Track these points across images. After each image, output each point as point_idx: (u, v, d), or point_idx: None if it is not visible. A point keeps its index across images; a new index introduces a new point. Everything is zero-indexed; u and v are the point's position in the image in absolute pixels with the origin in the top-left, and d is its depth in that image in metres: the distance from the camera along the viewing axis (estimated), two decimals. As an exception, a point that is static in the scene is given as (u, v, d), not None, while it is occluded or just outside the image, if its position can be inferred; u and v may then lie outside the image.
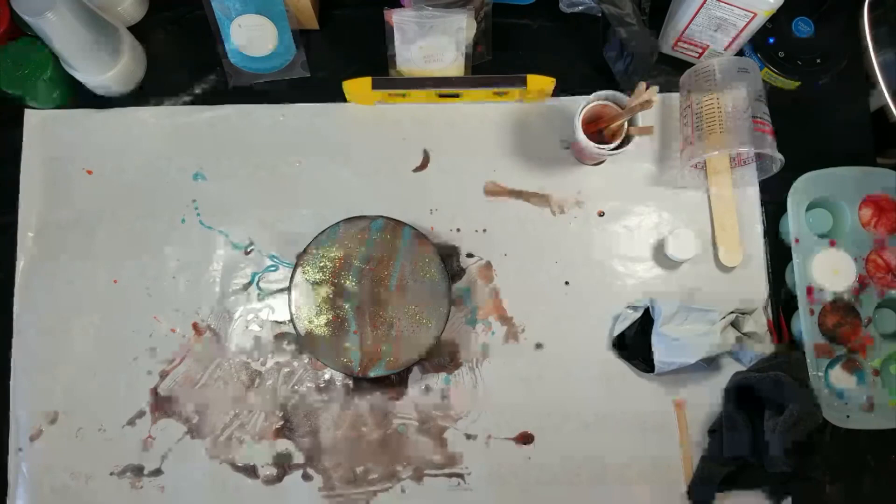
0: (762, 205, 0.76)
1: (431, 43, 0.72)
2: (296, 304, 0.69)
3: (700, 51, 0.76)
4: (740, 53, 0.77)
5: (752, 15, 0.67)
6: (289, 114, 0.78)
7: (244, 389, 0.73)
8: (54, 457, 0.72)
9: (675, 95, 0.77)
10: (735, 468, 0.69)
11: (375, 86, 0.74)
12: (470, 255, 0.75)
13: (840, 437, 0.70)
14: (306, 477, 0.71)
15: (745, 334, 0.71)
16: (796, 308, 0.72)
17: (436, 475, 0.71)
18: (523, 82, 0.74)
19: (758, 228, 0.76)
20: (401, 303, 0.69)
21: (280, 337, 0.74)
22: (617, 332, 0.73)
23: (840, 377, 0.71)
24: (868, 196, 0.73)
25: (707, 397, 0.72)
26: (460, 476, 0.71)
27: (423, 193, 0.76)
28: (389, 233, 0.70)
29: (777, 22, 0.73)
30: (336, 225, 0.70)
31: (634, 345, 0.72)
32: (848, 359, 0.71)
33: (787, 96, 0.78)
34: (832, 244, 0.72)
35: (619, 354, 0.73)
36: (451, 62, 0.74)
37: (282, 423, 0.72)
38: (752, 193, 0.76)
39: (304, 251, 0.69)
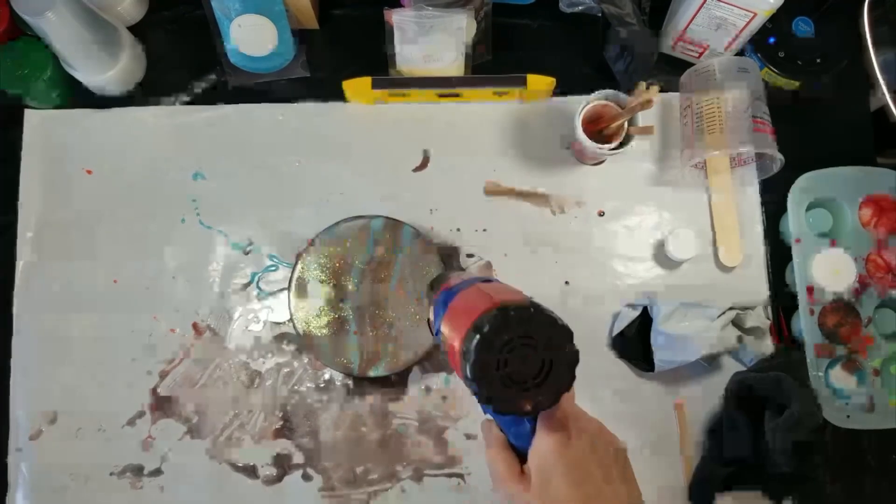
0: (762, 205, 0.76)
1: (431, 43, 0.72)
2: (295, 304, 0.69)
3: (700, 51, 0.76)
4: (740, 53, 0.77)
5: (752, 15, 0.67)
6: (289, 113, 0.78)
7: (244, 389, 0.73)
8: (54, 457, 0.72)
9: (675, 95, 0.77)
10: (735, 468, 0.69)
11: (375, 85, 0.74)
12: (470, 255, 0.75)
13: (840, 437, 0.70)
14: (306, 477, 0.71)
15: (747, 330, 0.71)
16: (796, 308, 0.72)
17: (436, 475, 0.71)
18: (523, 82, 0.74)
19: (758, 228, 0.76)
20: (401, 303, 0.69)
21: (280, 337, 0.74)
22: (616, 330, 0.72)
23: (840, 377, 0.71)
24: (868, 196, 0.73)
25: (707, 397, 0.72)
26: (460, 476, 0.71)
27: (423, 193, 0.76)
28: (389, 232, 0.70)
29: (777, 22, 0.73)
30: (336, 225, 0.70)
31: (634, 344, 0.72)
32: (848, 359, 0.71)
33: (787, 96, 0.78)
34: (832, 244, 0.72)
35: (618, 354, 0.73)
36: (451, 62, 0.74)
37: (282, 423, 0.72)
38: (752, 193, 0.76)
39: (304, 251, 0.70)
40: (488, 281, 0.51)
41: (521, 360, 0.41)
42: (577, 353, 0.42)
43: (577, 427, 0.46)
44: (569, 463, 0.44)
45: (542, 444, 0.45)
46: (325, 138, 0.77)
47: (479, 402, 0.42)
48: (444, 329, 0.47)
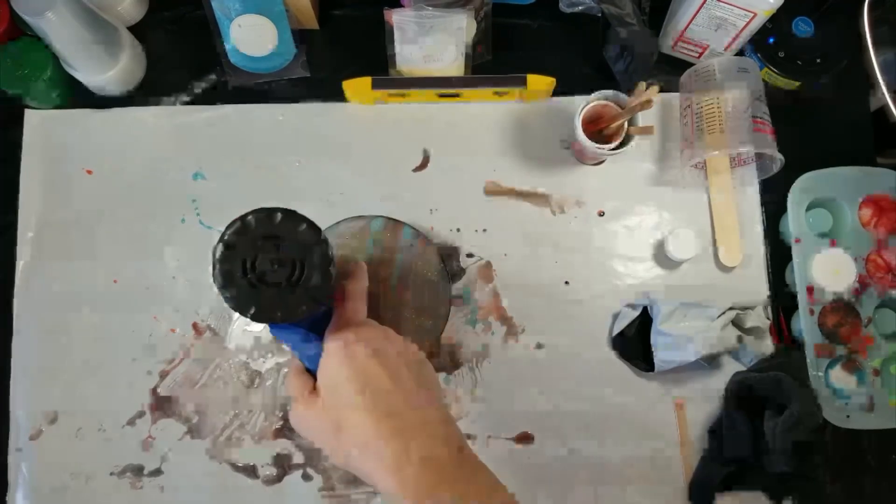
0: (762, 205, 0.76)
1: (431, 43, 0.72)
2: (295, 303, 0.69)
3: (700, 51, 0.76)
4: (740, 53, 0.77)
5: (752, 15, 0.67)
6: (289, 114, 0.78)
7: (244, 389, 0.73)
8: (54, 457, 0.72)
9: (675, 95, 0.77)
10: (735, 468, 0.69)
11: (375, 86, 0.74)
12: (470, 255, 0.75)
13: (840, 437, 0.70)
14: (306, 477, 0.71)
15: (747, 330, 0.71)
16: (796, 308, 0.72)
17: (436, 475, 0.71)
18: (523, 82, 0.74)
19: (758, 228, 0.76)
20: (400, 303, 0.69)
21: (280, 337, 0.74)
22: (616, 330, 0.73)
23: (840, 377, 0.71)
24: (868, 196, 0.73)
25: (707, 397, 0.72)
26: (460, 476, 0.71)
27: (423, 193, 0.76)
28: (389, 233, 0.70)
29: (777, 22, 0.73)
30: (336, 225, 0.70)
31: (634, 344, 0.72)
32: (848, 359, 0.71)
33: (787, 96, 0.78)
34: (832, 244, 0.72)
35: (618, 354, 0.73)
36: (451, 62, 0.74)
37: (282, 423, 0.72)
38: (752, 193, 0.76)
39: (304, 251, 0.70)
40: None
41: (270, 262, 0.41)
42: (327, 252, 0.42)
43: (361, 336, 0.46)
44: (352, 370, 0.44)
45: (326, 359, 0.46)
46: (325, 138, 0.77)
47: (233, 310, 0.41)
48: None
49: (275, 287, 0.41)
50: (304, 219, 0.42)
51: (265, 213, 0.42)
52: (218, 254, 0.41)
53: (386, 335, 0.48)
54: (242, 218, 0.42)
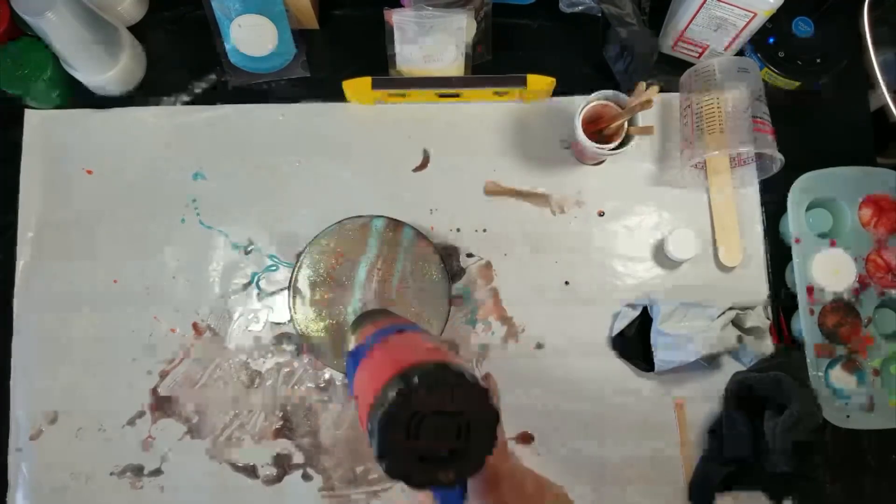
0: (762, 205, 0.76)
1: (431, 43, 0.72)
2: (295, 304, 0.69)
3: (700, 51, 0.76)
4: (740, 53, 0.77)
5: (752, 15, 0.67)
6: (289, 114, 0.78)
7: (244, 389, 0.73)
8: (54, 457, 0.72)
9: (675, 95, 0.77)
10: (735, 468, 0.69)
11: (375, 86, 0.74)
12: (470, 255, 0.75)
13: (840, 437, 0.70)
14: (306, 477, 0.71)
15: (747, 330, 0.71)
16: (796, 308, 0.72)
17: (436, 475, 0.71)
18: (523, 82, 0.74)
19: (758, 228, 0.76)
20: (401, 303, 0.69)
21: (280, 337, 0.74)
22: (616, 330, 0.73)
23: (840, 377, 0.71)
24: (868, 196, 0.73)
25: (707, 397, 0.72)
26: (460, 476, 0.71)
27: (423, 193, 0.76)
28: (389, 233, 0.70)
29: (777, 22, 0.73)
30: (336, 225, 0.70)
31: (634, 344, 0.72)
32: (848, 359, 0.71)
33: (787, 96, 0.78)
34: (832, 244, 0.72)
35: (618, 354, 0.73)
36: (451, 62, 0.74)
37: (282, 423, 0.72)
38: (752, 193, 0.76)
39: (304, 251, 0.70)
40: (403, 330, 0.46)
41: (434, 430, 0.37)
42: (495, 412, 0.38)
43: (511, 486, 0.43)
44: None
45: None
46: (325, 138, 0.77)
47: (391, 478, 0.37)
48: (356, 394, 0.43)
49: (439, 455, 0.37)
50: (468, 379, 0.37)
51: (428, 376, 0.37)
52: (379, 423, 0.36)
53: (536, 481, 0.46)
54: (408, 380, 0.37)
